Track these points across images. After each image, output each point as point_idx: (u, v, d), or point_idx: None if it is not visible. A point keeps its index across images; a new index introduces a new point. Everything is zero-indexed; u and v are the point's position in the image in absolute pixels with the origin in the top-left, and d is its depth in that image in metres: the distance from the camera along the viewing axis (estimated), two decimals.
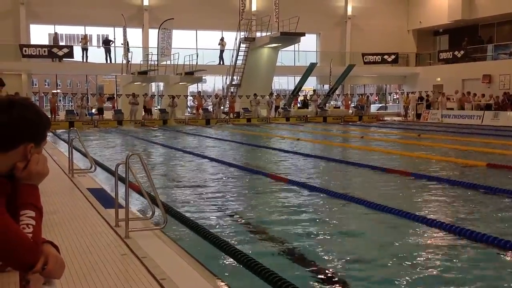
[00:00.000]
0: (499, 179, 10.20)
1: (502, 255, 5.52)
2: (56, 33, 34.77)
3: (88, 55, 34.04)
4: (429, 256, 5.52)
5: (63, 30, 36.47)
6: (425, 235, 6.32)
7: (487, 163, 12.03)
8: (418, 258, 5.42)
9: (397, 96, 45.20)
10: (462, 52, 35.89)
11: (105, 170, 11.13)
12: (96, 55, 35.16)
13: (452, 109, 31.58)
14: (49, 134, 22.19)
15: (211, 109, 32.85)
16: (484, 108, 29.67)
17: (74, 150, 10.24)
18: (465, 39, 36.44)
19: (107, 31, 36.84)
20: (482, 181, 9.86)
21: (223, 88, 36.43)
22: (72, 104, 35.41)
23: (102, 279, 4.00)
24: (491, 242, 5.74)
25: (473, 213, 7.51)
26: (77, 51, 33.68)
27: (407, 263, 5.29)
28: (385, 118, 35.64)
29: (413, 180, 10.27)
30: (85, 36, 35.04)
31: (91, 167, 9.77)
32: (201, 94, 35.47)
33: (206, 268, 4.59)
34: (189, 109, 37.55)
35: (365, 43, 39.03)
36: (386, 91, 46.96)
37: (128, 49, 32.33)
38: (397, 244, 5.98)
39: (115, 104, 32.87)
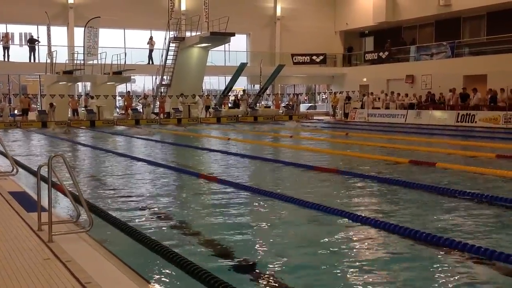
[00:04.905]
0: (421, 175, 10.63)
1: (425, 249, 5.74)
2: None
3: (10, 54, 32.68)
4: (356, 251, 5.68)
5: None
6: (352, 230, 6.48)
7: (409, 160, 12.53)
8: (347, 253, 5.56)
9: (326, 96, 46.17)
10: (386, 53, 37.12)
11: (28, 172, 10.74)
12: (19, 54, 33.75)
13: (378, 108, 32.61)
14: None
15: (141, 109, 32.39)
16: (408, 107, 30.83)
17: None
18: (388, 40, 37.68)
19: (30, 29, 35.43)
20: (405, 177, 10.24)
21: (153, 88, 35.96)
22: None
23: (24, 285, 3.86)
24: (413, 236, 5.97)
25: (397, 208, 7.78)
26: None
27: (335, 258, 5.41)
28: (314, 118, 36.35)
29: (340, 177, 10.54)
30: (7, 34, 33.59)
31: (12, 170, 9.42)
32: (130, 94, 34.86)
33: (134, 271, 4.51)
34: (118, 110, 36.84)
35: (294, 44, 39.63)
36: (315, 91, 47.89)
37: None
38: (325, 239, 6.10)
39: (35, 106, 31.82)
